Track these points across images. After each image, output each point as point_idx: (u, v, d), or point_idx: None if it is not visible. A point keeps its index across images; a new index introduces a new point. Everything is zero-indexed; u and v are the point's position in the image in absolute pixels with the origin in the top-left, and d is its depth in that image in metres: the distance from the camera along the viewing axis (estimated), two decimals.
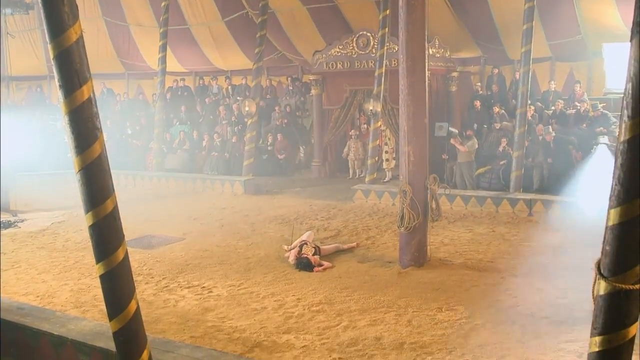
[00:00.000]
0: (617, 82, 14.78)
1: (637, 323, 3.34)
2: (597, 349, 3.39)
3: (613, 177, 3.26)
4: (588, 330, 3.46)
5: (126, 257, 4.45)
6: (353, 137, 17.04)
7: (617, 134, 3.19)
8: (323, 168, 17.70)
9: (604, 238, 3.30)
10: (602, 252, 3.34)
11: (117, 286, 4.46)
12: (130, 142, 19.29)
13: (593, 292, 3.44)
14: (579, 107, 14.67)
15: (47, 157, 18.52)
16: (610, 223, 3.24)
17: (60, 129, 18.90)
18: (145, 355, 4.71)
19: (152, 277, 8.75)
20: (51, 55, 4.04)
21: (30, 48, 22.31)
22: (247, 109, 16.26)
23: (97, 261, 4.41)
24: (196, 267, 9.19)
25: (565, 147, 13.56)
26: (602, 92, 15.94)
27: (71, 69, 4.05)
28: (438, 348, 6.02)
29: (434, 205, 8.89)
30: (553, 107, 15.19)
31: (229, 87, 21.53)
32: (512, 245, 9.92)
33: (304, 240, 9.42)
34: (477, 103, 15.82)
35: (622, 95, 3.17)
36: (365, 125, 17.05)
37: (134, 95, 23.29)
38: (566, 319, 6.68)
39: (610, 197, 3.24)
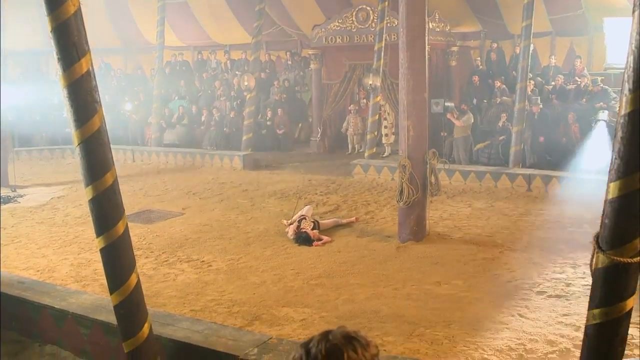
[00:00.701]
0: (617, 57, 14.68)
1: (635, 295, 3.37)
2: (595, 322, 3.41)
3: (613, 151, 3.26)
4: (585, 304, 3.48)
5: (126, 230, 4.46)
6: (352, 112, 16.98)
7: (618, 108, 3.19)
8: (322, 143, 17.67)
9: (603, 211, 3.31)
10: (600, 226, 3.35)
11: (117, 260, 4.48)
12: (128, 117, 19.21)
13: (591, 265, 3.46)
14: (579, 82, 14.60)
15: (45, 132, 18.46)
16: (610, 196, 3.25)
17: (59, 104, 18.80)
18: (146, 328, 4.75)
19: (152, 252, 8.78)
20: (49, 28, 4.01)
21: (27, 22, 22.11)
22: (246, 83, 16.20)
23: (98, 235, 4.42)
24: (195, 242, 9.22)
25: (548, 120, 13.53)
26: (602, 67, 15.84)
27: (69, 42, 4.02)
28: (436, 321, 6.06)
29: (433, 180, 8.89)
30: (553, 82, 15.12)
31: (228, 61, 21.41)
32: (511, 220, 9.94)
33: (302, 215, 9.44)
34: (476, 78, 15.74)
35: (623, 70, 3.15)
36: (365, 100, 16.99)
37: (132, 70, 23.15)
38: (564, 293, 6.73)
39: (609, 171, 3.25)
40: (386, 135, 16.22)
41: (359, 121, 16.84)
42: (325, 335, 1.86)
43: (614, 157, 3.25)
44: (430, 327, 5.93)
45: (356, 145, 17.01)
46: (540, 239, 8.82)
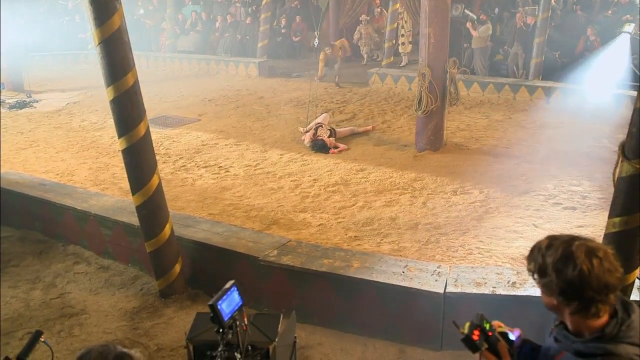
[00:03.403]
0: None
1: None
2: (614, 230, 3.43)
3: None
4: (600, 216, 3.49)
5: (147, 131, 4.47)
6: (363, 22, 16.52)
7: None
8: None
9: (631, 120, 3.27)
10: (627, 135, 3.31)
11: (139, 160, 4.51)
12: (142, 22, 18.87)
13: (614, 174, 3.44)
14: None
15: (59, 37, 18.23)
16: (639, 105, 3.19)
17: (72, 9, 18.53)
18: (167, 229, 4.84)
19: (169, 157, 8.85)
20: None
21: None
22: None
23: (119, 136, 4.44)
24: (212, 148, 9.26)
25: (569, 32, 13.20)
26: None
27: None
28: (452, 229, 6.14)
29: (452, 90, 8.75)
30: None
31: None
32: (528, 133, 9.85)
33: (319, 123, 9.41)
34: None
35: None
36: (380, 9, 16.57)
37: None
38: (579, 205, 6.73)
39: None
40: (403, 44, 15.86)
41: (370, 31, 16.45)
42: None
43: None
44: (446, 235, 6.01)
45: (365, 56, 16.69)
46: (557, 152, 8.76)
